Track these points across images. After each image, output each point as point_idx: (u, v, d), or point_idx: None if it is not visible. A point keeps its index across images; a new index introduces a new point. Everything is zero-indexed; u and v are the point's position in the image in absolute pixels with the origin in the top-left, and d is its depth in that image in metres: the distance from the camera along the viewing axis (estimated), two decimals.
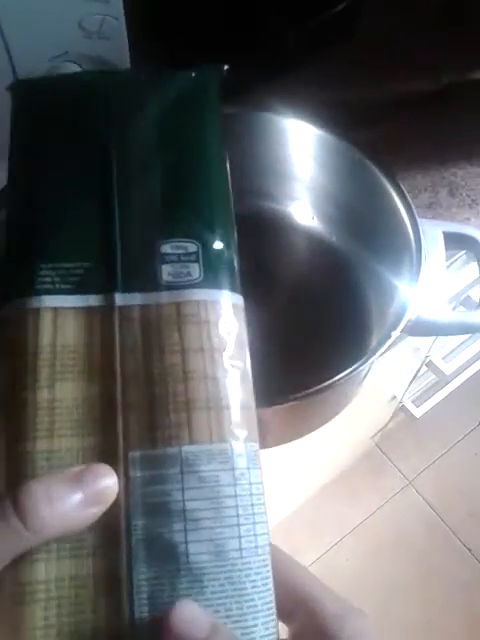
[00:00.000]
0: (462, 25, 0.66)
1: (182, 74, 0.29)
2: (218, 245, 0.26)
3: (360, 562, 1.26)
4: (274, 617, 0.23)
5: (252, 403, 0.25)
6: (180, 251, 0.26)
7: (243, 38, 0.58)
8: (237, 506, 0.23)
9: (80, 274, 0.25)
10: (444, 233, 0.44)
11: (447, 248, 0.45)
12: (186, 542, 0.22)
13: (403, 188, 0.44)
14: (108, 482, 0.22)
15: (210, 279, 0.25)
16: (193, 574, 0.22)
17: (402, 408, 1.16)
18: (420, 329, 0.42)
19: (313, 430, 0.48)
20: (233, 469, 0.23)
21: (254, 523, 0.23)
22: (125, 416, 0.23)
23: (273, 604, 0.23)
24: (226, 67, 0.30)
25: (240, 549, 0.22)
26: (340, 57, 0.62)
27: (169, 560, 0.22)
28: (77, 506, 0.21)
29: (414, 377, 1.04)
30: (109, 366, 0.24)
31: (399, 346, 0.71)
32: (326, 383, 0.38)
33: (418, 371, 1.01)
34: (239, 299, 0.26)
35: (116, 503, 0.22)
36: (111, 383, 0.24)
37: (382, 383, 0.96)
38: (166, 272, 0.25)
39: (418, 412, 1.14)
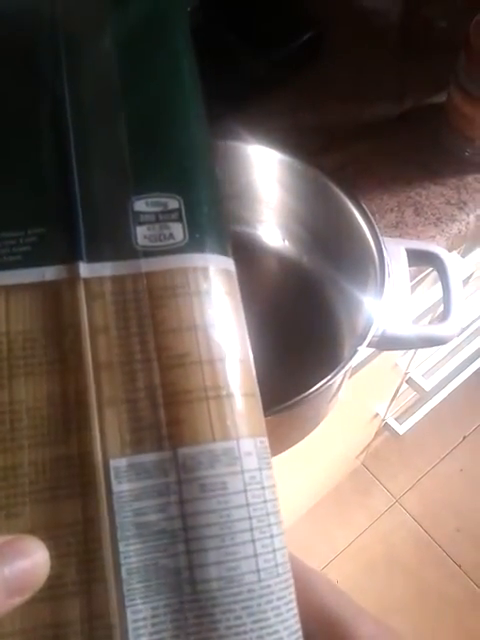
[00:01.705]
0: (422, 52, 0.68)
1: None
2: (204, 199, 0.21)
3: (351, 583, 1.26)
4: None
5: (256, 389, 0.20)
6: (158, 208, 0.21)
7: (210, 68, 0.60)
8: (250, 518, 0.18)
9: (32, 243, 0.20)
10: (407, 250, 0.46)
11: (412, 265, 0.47)
12: (190, 568, 0.18)
13: (365, 207, 0.45)
14: (34, 562, 0.17)
15: (197, 241, 0.21)
16: (201, 607, 0.18)
17: (385, 426, 1.17)
18: (387, 343, 0.43)
19: (291, 445, 0.48)
20: (242, 472, 0.19)
21: (271, 537, 0.18)
22: (101, 416, 0.19)
23: (300, 633, 0.18)
24: None
25: (257, 571, 0.18)
26: (306, 84, 0.64)
27: (170, 592, 0.18)
28: None
29: (395, 394, 1.05)
30: (76, 355, 0.19)
31: (377, 363, 0.72)
32: (298, 397, 0.39)
33: (399, 388, 1.02)
34: (231, 264, 0.21)
35: (97, 527, 0.18)
36: (80, 376, 0.19)
37: (364, 401, 0.97)
38: (141, 235, 0.20)
39: (401, 429, 1.15)
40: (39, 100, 0.22)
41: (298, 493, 1.08)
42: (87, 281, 0.20)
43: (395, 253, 0.45)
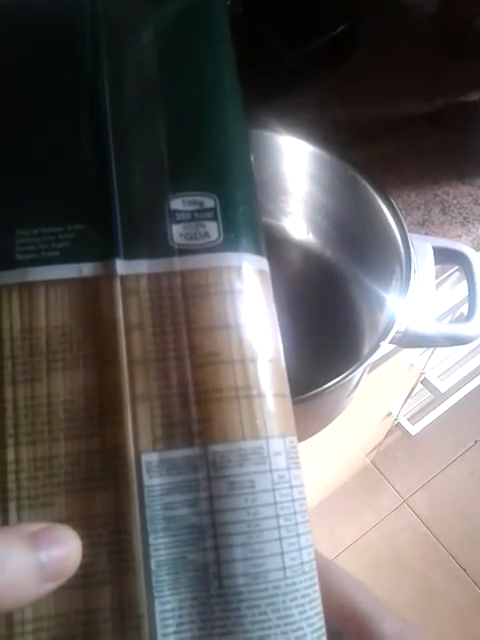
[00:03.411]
0: (456, 50, 0.67)
1: None
2: (239, 199, 0.21)
3: None
4: None
5: (286, 389, 0.20)
6: (194, 207, 0.21)
7: (242, 58, 0.60)
8: (277, 516, 0.19)
9: (71, 239, 0.20)
10: (434, 248, 0.46)
11: (437, 263, 0.46)
12: (218, 563, 0.18)
13: (394, 204, 0.45)
14: (68, 550, 0.17)
15: (231, 241, 0.21)
16: (227, 601, 0.18)
17: (398, 425, 1.17)
18: (409, 340, 0.43)
19: (307, 438, 0.49)
20: (271, 471, 0.19)
21: (298, 535, 0.19)
22: (134, 411, 0.19)
23: (324, 630, 0.19)
24: None
25: (283, 568, 0.18)
26: (338, 78, 0.64)
27: (198, 586, 0.18)
28: (32, 577, 0.16)
29: (409, 394, 1.04)
30: (112, 350, 0.20)
31: (393, 361, 0.72)
32: (318, 390, 0.39)
33: (413, 388, 1.02)
34: (265, 264, 0.21)
35: (128, 519, 0.18)
36: (115, 371, 0.19)
37: (377, 399, 0.97)
38: (177, 233, 0.21)
39: (414, 430, 1.15)
40: (79, 96, 0.22)
41: (306, 487, 1.08)
42: (123, 278, 0.20)
43: (421, 250, 0.45)
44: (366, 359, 0.40)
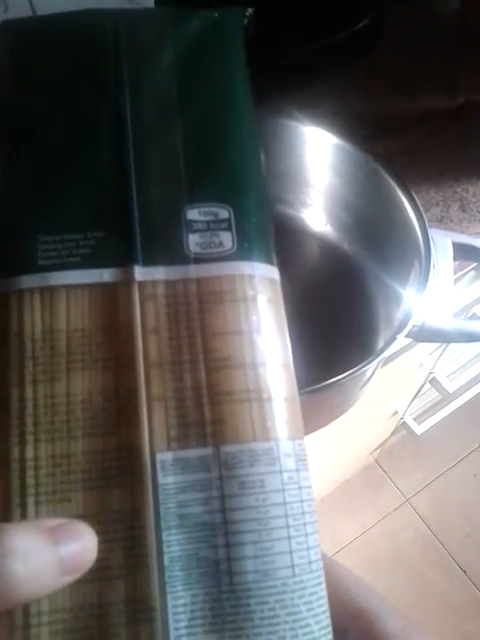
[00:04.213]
0: (478, 47, 0.67)
1: (203, 14, 0.25)
2: (253, 210, 0.22)
3: None
4: None
5: (295, 393, 0.21)
6: (209, 218, 0.22)
7: (266, 49, 0.60)
8: (286, 516, 0.19)
9: (91, 245, 0.21)
10: (453, 243, 0.45)
11: (456, 259, 0.46)
12: (228, 560, 0.19)
13: (416, 198, 0.45)
14: (84, 545, 0.18)
15: (245, 250, 0.21)
16: (238, 597, 0.18)
17: (403, 424, 1.17)
18: (425, 335, 0.43)
19: (315, 430, 0.48)
20: (280, 472, 0.19)
21: (306, 535, 0.19)
22: (150, 411, 0.20)
23: (330, 628, 0.19)
24: (250, 10, 0.26)
25: (292, 566, 0.19)
26: (359, 71, 0.63)
27: (209, 582, 0.19)
28: (52, 570, 0.17)
29: (417, 393, 1.04)
30: (129, 353, 0.20)
31: (403, 360, 0.72)
32: (332, 380, 0.38)
33: (421, 387, 1.02)
34: (276, 273, 0.22)
35: (142, 515, 0.19)
36: (132, 373, 0.20)
37: (384, 397, 0.96)
38: (193, 242, 0.21)
39: (419, 429, 1.14)
40: (102, 110, 0.23)
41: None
42: (141, 284, 0.21)
43: (441, 245, 0.45)
44: (382, 351, 0.40)
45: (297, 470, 0.20)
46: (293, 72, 0.60)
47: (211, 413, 0.20)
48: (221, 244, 0.22)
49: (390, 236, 0.48)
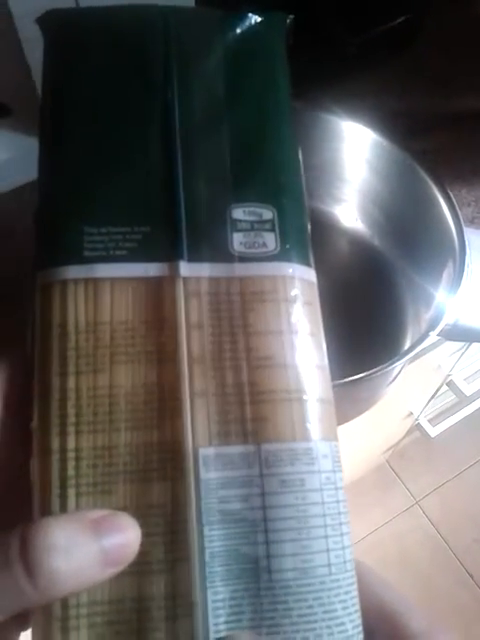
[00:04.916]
0: None
1: (248, 16, 0.25)
2: (295, 212, 0.23)
3: None
4: None
5: (331, 395, 0.21)
6: (253, 218, 0.22)
7: (304, 42, 0.60)
8: (324, 515, 0.19)
9: (138, 240, 0.21)
10: None
11: None
12: (268, 556, 0.19)
13: (452, 197, 0.45)
14: (129, 537, 0.18)
15: (286, 252, 0.22)
16: (276, 594, 0.19)
17: (417, 426, 1.16)
18: (457, 334, 0.42)
19: (341, 423, 0.49)
20: (319, 472, 0.20)
21: (342, 534, 0.20)
22: (193, 406, 0.20)
23: (361, 627, 0.19)
24: (291, 17, 0.26)
25: (329, 565, 0.19)
26: (397, 67, 0.63)
27: (249, 578, 0.19)
28: (94, 562, 0.17)
29: (433, 395, 1.04)
30: (172, 347, 0.20)
31: (423, 361, 0.71)
32: (362, 374, 0.39)
33: (438, 390, 1.01)
34: (314, 276, 0.22)
35: (184, 510, 0.19)
36: (175, 367, 0.20)
37: (400, 398, 0.96)
38: (237, 241, 0.22)
39: (433, 432, 1.14)
40: (151, 107, 0.23)
41: None
42: (186, 280, 0.21)
43: (475, 244, 0.45)
44: (414, 348, 0.40)
45: (334, 471, 0.20)
46: (332, 66, 0.60)
47: (252, 411, 0.20)
48: (264, 245, 0.22)
49: (423, 234, 0.48)
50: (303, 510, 0.19)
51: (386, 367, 0.40)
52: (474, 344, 0.84)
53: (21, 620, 0.19)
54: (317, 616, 0.18)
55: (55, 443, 0.19)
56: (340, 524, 0.20)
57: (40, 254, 0.22)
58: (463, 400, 1.01)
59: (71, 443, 0.19)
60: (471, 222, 0.57)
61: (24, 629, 0.20)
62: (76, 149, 0.23)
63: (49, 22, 0.25)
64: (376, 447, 1.22)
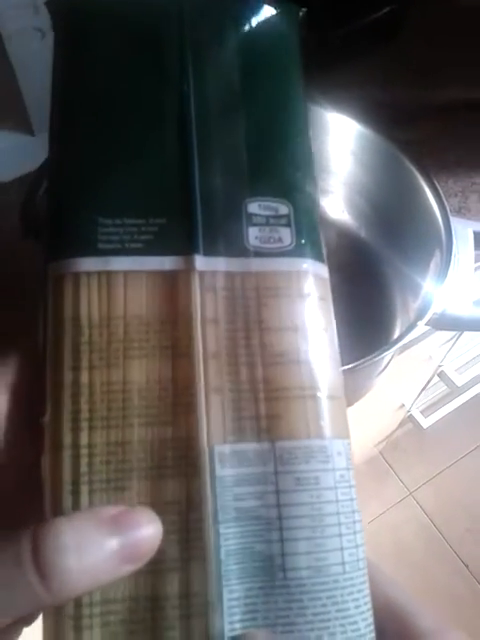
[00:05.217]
0: None
1: (262, 7, 0.25)
2: (309, 208, 0.22)
3: None
4: None
5: (343, 392, 0.21)
6: (269, 212, 0.22)
7: None
8: (338, 513, 0.19)
9: (154, 232, 0.21)
10: (475, 232, 0.45)
11: (477, 248, 0.46)
12: (283, 555, 0.19)
13: (438, 186, 0.45)
14: (149, 532, 0.18)
15: (302, 247, 0.21)
16: (291, 592, 0.18)
17: (410, 417, 1.17)
18: (445, 323, 0.42)
19: None
20: (334, 470, 0.19)
21: (355, 533, 0.19)
22: (207, 402, 0.19)
23: (373, 626, 0.19)
24: (303, 10, 0.25)
25: (343, 563, 0.19)
26: (381, 58, 0.63)
27: (264, 576, 0.19)
28: (109, 560, 0.17)
29: (425, 387, 1.04)
30: (187, 342, 0.20)
31: (413, 351, 0.71)
32: (351, 365, 0.38)
33: (430, 381, 1.02)
34: (326, 271, 0.22)
35: (200, 508, 0.19)
36: (190, 363, 0.20)
37: (392, 389, 0.96)
38: (253, 236, 0.21)
39: (426, 423, 1.15)
40: (166, 98, 0.23)
41: None
42: (202, 273, 0.21)
43: (462, 234, 0.45)
44: (402, 338, 0.40)
45: (348, 468, 0.20)
46: (317, 57, 0.60)
47: (266, 408, 0.20)
48: (280, 240, 0.21)
49: (410, 224, 0.48)
50: (318, 508, 0.19)
51: (374, 357, 0.40)
52: (464, 334, 0.85)
53: (26, 617, 0.19)
54: (331, 614, 0.18)
55: (68, 439, 0.19)
56: (354, 522, 0.19)
57: (52, 245, 0.21)
58: (455, 391, 1.01)
59: (84, 439, 0.19)
60: (458, 212, 0.57)
61: (28, 624, 0.20)
62: (89, 139, 0.22)
63: (59, 5, 0.24)
64: (369, 439, 1.23)
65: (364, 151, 0.49)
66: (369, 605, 0.19)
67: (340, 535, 0.19)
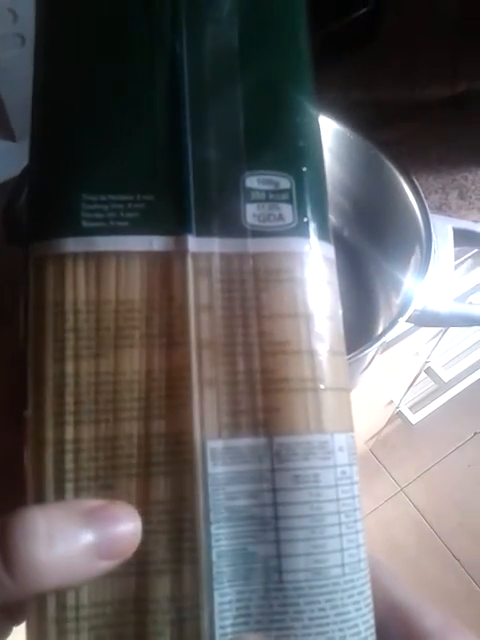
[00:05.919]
0: (478, 36, 0.67)
1: None
2: (314, 182, 0.20)
3: None
4: None
5: (349, 383, 0.20)
6: (269, 187, 0.20)
7: None
8: (339, 513, 0.18)
9: (141, 209, 0.19)
10: (454, 229, 0.46)
11: (457, 245, 0.47)
12: (278, 556, 0.18)
13: (417, 183, 0.45)
14: (128, 528, 0.17)
15: (305, 226, 0.19)
16: (287, 596, 0.17)
17: (398, 414, 1.17)
18: (426, 319, 0.43)
19: None
20: (335, 467, 0.18)
21: (357, 532, 0.18)
22: (201, 395, 0.18)
23: (374, 628, 0.18)
24: None
25: (342, 565, 0.18)
26: (361, 59, 0.64)
27: (257, 579, 0.18)
28: (83, 554, 0.16)
29: (412, 383, 1.05)
30: (180, 330, 0.19)
31: (399, 348, 0.72)
32: None
33: (417, 377, 1.03)
34: (332, 251, 0.20)
35: (190, 507, 0.18)
36: (183, 352, 0.18)
37: (380, 386, 0.97)
38: (251, 213, 0.19)
39: (414, 419, 1.15)
40: (157, 61, 0.21)
41: None
42: (195, 256, 0.19)
43: (441, 231, 0.45)
44: (383, 335, 0.40)
45: (350, 465, 0.19)
46: None
47: (264, 401, 0.18)
48: (281, 217, 0.19)
49: (390, 222, 0.49)
50: (317, 508, 0.18)
51: (358, 354, 0.40)
52: (450, 330, 0.85)
53: (8, 614, 0.19)
54: (329, 619, 0.17)
55: (51, 434, 0.18)
56: (355, 521, 0.18)
57: (33, 225, 0.19)
58: (442, 386, 1.02)
59: (69, 434, 0.18)
60: (439, 209, 0.58)
61: (16, 624, 0.19)
62: (72, 108, 0.20)
63: None
64: (359, 436, 1.23)
65: (344, 151, 0.49)
66: (370, 606, 0.18)
67: (340, 535, 0.18)
